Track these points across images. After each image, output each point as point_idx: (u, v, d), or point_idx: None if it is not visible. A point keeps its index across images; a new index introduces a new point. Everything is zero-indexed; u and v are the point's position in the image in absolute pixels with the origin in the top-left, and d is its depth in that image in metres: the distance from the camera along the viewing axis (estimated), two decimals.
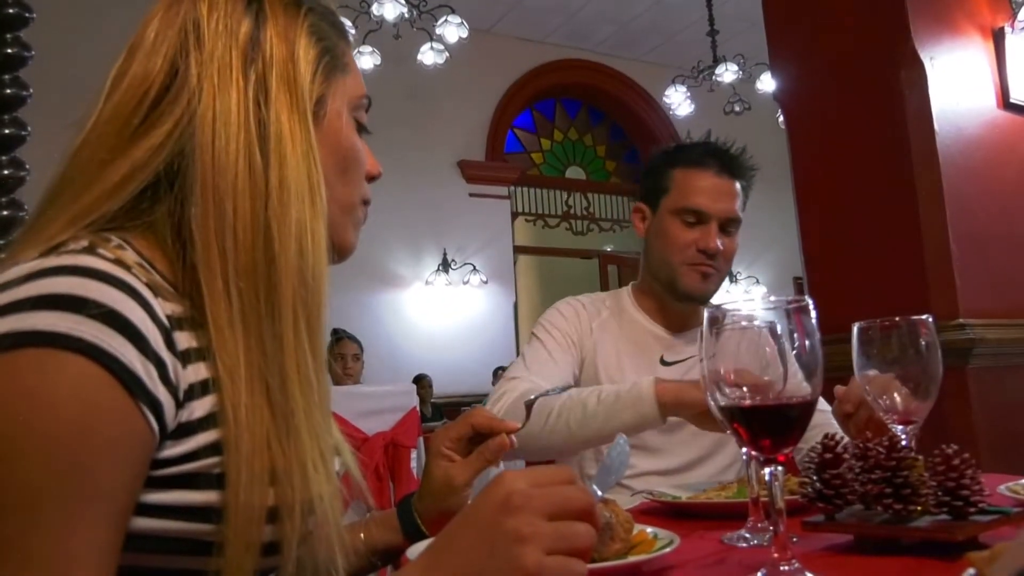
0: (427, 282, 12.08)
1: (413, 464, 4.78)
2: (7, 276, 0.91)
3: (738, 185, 2.48)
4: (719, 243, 2.40)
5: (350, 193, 1.26)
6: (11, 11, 2.16)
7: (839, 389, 1.87)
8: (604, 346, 2.49)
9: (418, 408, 5.04)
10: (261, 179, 1.05)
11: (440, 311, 12.08)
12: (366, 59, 8.90)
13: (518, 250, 13.41)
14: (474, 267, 12.38)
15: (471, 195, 12.63)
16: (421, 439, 5.00)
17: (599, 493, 1.28)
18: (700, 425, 1.97)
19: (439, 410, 10.86)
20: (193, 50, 1.08)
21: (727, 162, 2.47)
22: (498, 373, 11.50)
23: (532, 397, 1.80)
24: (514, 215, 13.29)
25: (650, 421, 1.99)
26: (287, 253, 1.05)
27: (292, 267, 1.06)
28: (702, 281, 2.42)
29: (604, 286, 13.52)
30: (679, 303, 2.45)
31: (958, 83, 3.65)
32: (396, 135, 11.07)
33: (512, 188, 13.26)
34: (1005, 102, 3.85)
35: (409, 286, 11.99)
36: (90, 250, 0.96)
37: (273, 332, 1.04)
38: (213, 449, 0.98)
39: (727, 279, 12.54)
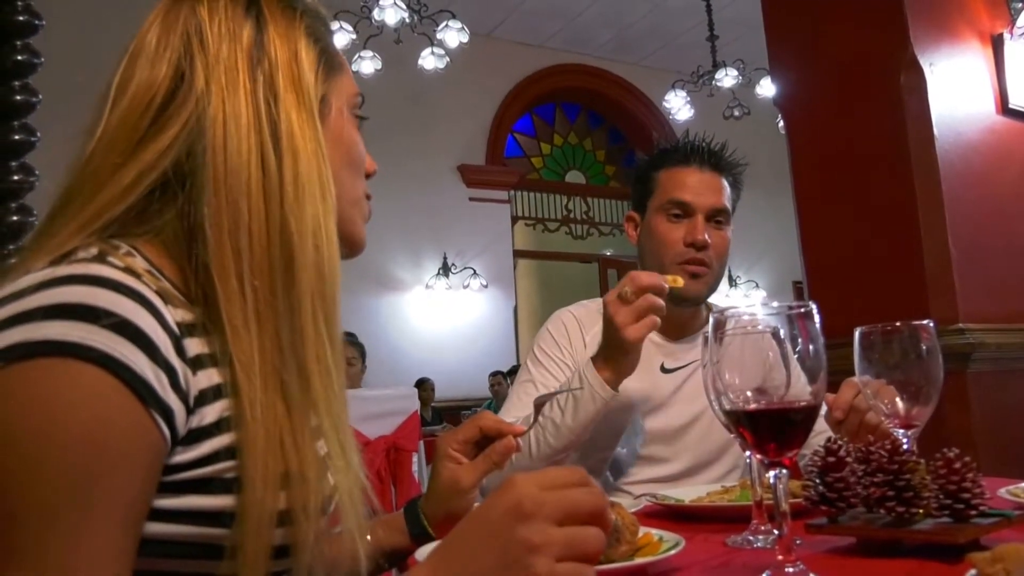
0: (427, 286, 12.11)
1: (415, 468, 4.78)
2: (18, 285, 0.92)
3: (723, 180, 2.48)
4: (707, 236, 2.39)
5: (356, 188, 1.29)
6: (21, 18, 2.17)
7: (828, 396, 1.88)
8: None
9: (419, 412, 5.05)
10: (275, 178, 1.06)
11: (440, 315, 12.10)
12: (367, 64, 8.89)
13: (518, 254, 13.42)
14: (474, 271, 12.40)
15: (471, 199, 12.64)
16: (422, 443, 5.00)
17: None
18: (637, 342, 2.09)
19: (439, 414, 10.86)
20: (198, 54, 1.09)
21: (708, 157, 2.47)
22: (495, 378, 11.50)
23: (539, 396, 1.82)
24: (514, 219, 13.30)
25: (610, 400, 2.10)
26: (305, 249, 1.07)
27: (310, 262, 1.07)
28: (692, 281, 2.38)
29: (604, 290, 13.41)
30: (675, 306, 2.41)
31: (957, 89, 3.66)
32: (396, 139, 11.08)
33: (512, 192, 13.27)
34: (1004, 107, 3.86)
35: (410, 290, 12.01)
36: (100, 258, 0.97)
37: (291, 327, 1.05)
38: (225, 453, 0.99)
39: (727, 283, 12.43)
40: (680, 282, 2.14)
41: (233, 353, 1.01)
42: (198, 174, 1.05)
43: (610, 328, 2.05)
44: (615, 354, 2.08)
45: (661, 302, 2.02)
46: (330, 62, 1.22)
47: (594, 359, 2.13)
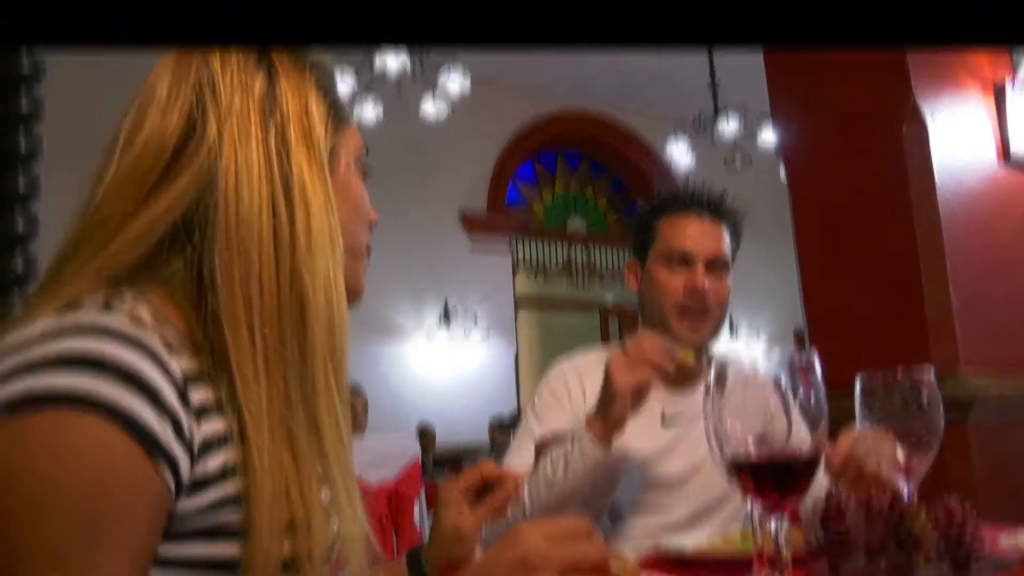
0: (428, 334, 12.08)
1: (416, 515, 4.78)
2: (25, 335, 0.93)
3: (723, 228, 2.50)
4: (706, 282, 2.41)
5: (360, 240, 1.30)
6: (26, 69, 2.20)
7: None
8: None
9: (420, 459, 5.05)
10: (286, 229, 1.07)
11: (441, 363, 12.06)
12: (368, 111, 8.94)
13: (519, 303, 13.40)
14: (475, 319, 12.38)
15: (472, 248, 12.65)
16: (423, 489, 5.00)
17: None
18: (634, 407, 2.06)
19: (440, 462, 10.82)
20: (210, 104, 1.10)
21: (708, 205, 2.50)
22: (492, 427, 11.46)
23: (541, 437, 1.82)
24: (515, 267, 13.30)
25: (601, 459, 2.07)
26: (317, 301, 1.08)
27: (322, 315, 1.08)
28: (692, 333, 2.41)
29: (605, 338, 13.54)
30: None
31: (959, 138, 3.67)
32: (398, 187, 11.08)
33: (513, 241, 13.28)
34: (1006, 157, 3.87)
35: (411, 338, 11.99)
36: (106, 307, 0.97)
37: (302, 378, 1.06)
38: (230, 502, 0.99)
39: (728, 331, 12.34)
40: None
41: (243, 402, 1.01)
42: (209, 224, 1.06)
43: (605, 379, 2.06)
44: (603, 403, 2.09)
45: (657, 360, 2.02)
46: (338, 115, 1.23)
47: (591, 415, 2.13)
